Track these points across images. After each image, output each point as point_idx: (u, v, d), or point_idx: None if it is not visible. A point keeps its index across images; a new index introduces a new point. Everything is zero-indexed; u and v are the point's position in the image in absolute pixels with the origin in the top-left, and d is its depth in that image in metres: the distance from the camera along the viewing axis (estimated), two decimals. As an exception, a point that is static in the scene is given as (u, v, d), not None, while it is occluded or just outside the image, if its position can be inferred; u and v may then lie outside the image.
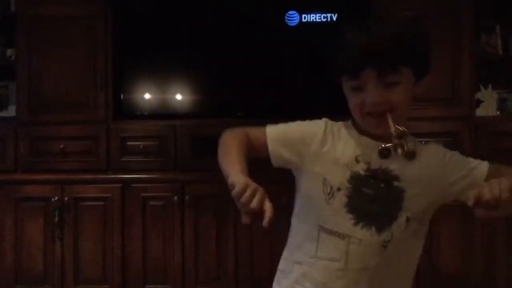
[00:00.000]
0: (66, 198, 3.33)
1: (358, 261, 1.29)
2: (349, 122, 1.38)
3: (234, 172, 1.18)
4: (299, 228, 1.38)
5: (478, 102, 3.39)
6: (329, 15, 3.37)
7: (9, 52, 3.61)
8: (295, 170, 1.39)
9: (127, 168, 3.40)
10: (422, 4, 3.32)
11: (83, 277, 3.33)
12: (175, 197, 3.27)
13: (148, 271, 3.30)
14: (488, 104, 3.42)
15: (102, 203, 3.35)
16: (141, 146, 3.39)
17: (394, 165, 1.32)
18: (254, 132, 1.38)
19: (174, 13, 3.42)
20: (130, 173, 3.37)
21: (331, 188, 1.31)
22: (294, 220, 1.42)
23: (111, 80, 3.43)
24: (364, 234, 1.29)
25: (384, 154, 1.29)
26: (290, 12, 3.38)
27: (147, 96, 3.51)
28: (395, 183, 1.31)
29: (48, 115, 3.43)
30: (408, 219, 1.31)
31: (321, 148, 1.34)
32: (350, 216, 1.30)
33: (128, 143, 3.41)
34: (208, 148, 3.52)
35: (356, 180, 1.30)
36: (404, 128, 1.27)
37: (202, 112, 3.44)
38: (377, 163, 1.31)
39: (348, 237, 1.29)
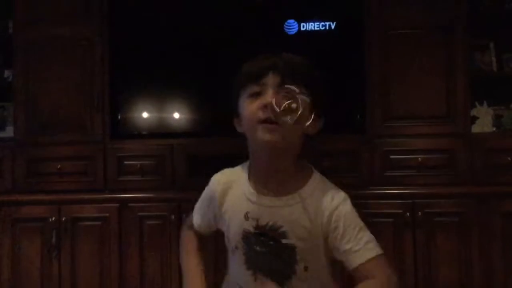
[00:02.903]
0: (63, 218, 3.33)
1: None
2: (245, 165, 1.41)
3: None
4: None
5: (474, 119, 3.41)
6: (327, 23, 3.38)
7: (7, 73, 3.63)
8: None
9: (124, 187, 3.40)
10: (416, 22, 3.35)
11: (81, 298, 3.32)
12: (173, 216, 3.27)
13: (145, 291, 3.28)
14: (483, 120, 3.43)
15: (99, 223, 3.34)
16: (138, 166, 3.39)
17: (281, 220, 1.30)
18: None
19: (171, 31, 3.43)
20: (127, 193, 3.37)
21: (232, 245, 1.36)
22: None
23: (108, 100, 3.44)
24: None
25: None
26: (289, 21, 3.39)
27: (144, 115, 3.52)
28: (284, 241, 1.29)
29: (45, 135, 3.44)
30: (306, 269, 1.30)
31: (220, 208, 1.40)
32: (250, 272, 1.32)
33: (125, 162, 3.42)
34: (205, 167, 3.53)
35: (248, 238, 1.32)
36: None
37: (199, 131, 3.45)
38: (265, 219, 1.31)
39: None
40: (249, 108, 1.29)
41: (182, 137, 3.43)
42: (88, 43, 3.45)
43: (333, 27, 3.38)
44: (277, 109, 1.21)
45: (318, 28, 3.39)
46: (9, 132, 3.58)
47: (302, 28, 3.39)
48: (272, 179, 1.33)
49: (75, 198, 3.37)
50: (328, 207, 1.28)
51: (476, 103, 3.43)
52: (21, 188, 3.44)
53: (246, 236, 1.32)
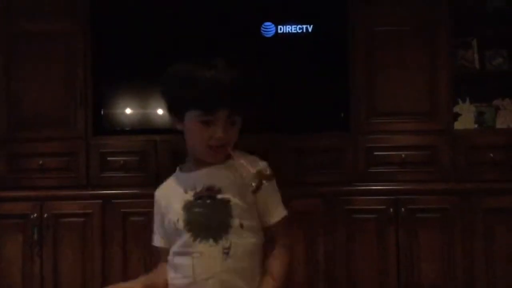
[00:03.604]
0: (45, 215, 3.30)
1: (204, 272, 1.46)
2: (176, 170, 1.63)
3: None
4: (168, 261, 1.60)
5: (456, 116, 3.43)
6: (304, 26, 3.40)
7: (-12, 68, 3.58)
8: None
9: (107, 184, 3.38)
10: (400, 19, 3.37)
11: (63, 295, 3.29)
12: (156, 213, 3.25)
13: (129, 288, 3.26)
14: (466, 117, 3.46)
15: (82, 219, 3.32)
16: (122, 162, 3.37)
17: (217, 182, 1.50)
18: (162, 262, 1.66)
19: (153, 28, 3.42)
20: (110, 189, 3.35)
21: (174, 222, 1.51)
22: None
23: (91, 96, 3.42)
24: (203, 247, 1.46)
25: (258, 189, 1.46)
26: (266, 24, 3.40)
27: (127, 111, 3.50)
28: (219, 196, 1.49)
29: (27, 131, 3.41)
30: (241, 225, 1.48)
31: (162, 206, 1.59)
32: (189, 234, 1.48)
33: (108, 158, 3.40)
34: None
35: (187, 206, 1.50)
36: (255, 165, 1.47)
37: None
38: (201, 185, 1.51)
39: (191, 253, 1.48)
40: (200, 134, 1.48)
41: (166, 133, 3.41)
42: (70, 38, 3.42)
43: (310, 30, 3.39)
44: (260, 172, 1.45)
45: (295, 31, 3.40)
46: (-10, 127, 3.54)
47: (279, 31, 3.40)
48: (207, 163, 1.54)
49: (57, 194, 3.34)
50: (256, 166, 1.49)
51: (459, 100, 3.46)
52: (2, 185, 3.40)
53: (186, 205, 1.50)
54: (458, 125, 3.41)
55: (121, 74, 3.46)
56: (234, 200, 1.48)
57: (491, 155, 3.27)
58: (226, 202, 1.48)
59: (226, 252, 1.46)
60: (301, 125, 3.37)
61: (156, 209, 1.63)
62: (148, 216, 3.25)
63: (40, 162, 3.39)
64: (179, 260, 1.51)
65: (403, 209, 3.21)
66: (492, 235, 3.20)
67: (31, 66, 3.43)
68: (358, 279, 3.22)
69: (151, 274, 1.68)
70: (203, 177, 1.52)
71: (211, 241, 1.46)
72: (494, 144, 3.31)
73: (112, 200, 3.31)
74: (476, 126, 3.47)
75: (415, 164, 3.31)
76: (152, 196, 1.67)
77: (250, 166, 1.45)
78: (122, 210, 3.29)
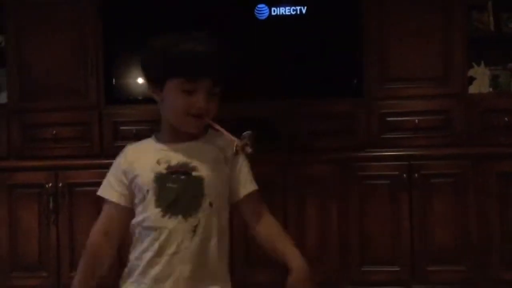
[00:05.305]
0: (60, 184, 3.33)
1: (170, 247, 1.46)
2: (151, 137, 1.59)
3: None
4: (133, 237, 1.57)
5: (471, 80, 3.39)
6: (298, 7, 3.35)
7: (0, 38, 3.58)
8: None
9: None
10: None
11: (80, 263, 3.33)
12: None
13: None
14: (480, 81, 3.41)
15: (96, 188, 3.31)
16: (134, 131, 3.37)
17: (192, 159, 1.50)
18: (104, 219, 1.65)
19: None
20: (123, 158, 3.36)
21: (143, 192, 1.49)
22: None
23: (102, 65, 3.41)
24: (172, 223, 1.45)
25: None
26: (259, 6, 3.36)
27: (139, 80, 3.49)
28: (194, 173, 1.48)
29: (40, 101, 3.42)
30: (211, 204, 1.48)
31: (130, 172, 1.54)
32: (158, 210, 1.47)
33: (121, 127, 3.41)
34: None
35: (159, 179, 1.48)
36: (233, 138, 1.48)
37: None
38: (176, 159, 1.50)
39: (159, 228, 1.46)
40: (182, 102, 1.46)
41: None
42: (81, 6, 3.40)
43: (304, 11, 3.34)
44: (239, 145, 1.48)
45: (289, 13, 3.35)
46: (3, 98, 3.56)
47: (273, 13, 3.36)
48: (183, 136, 1.53)
49: (72, 164, 3.37)
50: (232, 144, 1.51)
51: (473, 64, 3.41)
52: (17, 155, 3.43)
53: (158, 177, 1.48)
54: (472, 89, 3.37)
55: (133, 42, 3.44)
56: (208, 178, 1.48)
57: (506, 119, 3.23)
58: (200, 179, 1.48)
59: (194, 230, 1.46)
60: (314, 91, 3.34)
61: (121, 163, 1.58)
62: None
63: (54, 132, 3.41)
64: (145, 234, 1.50)
65: (416, 174, 3.20)
66: (506, 199, 3.19)
67: (43, 35, 3.43)
68: (371, 244, 3.23)
69: (88, 263, 1.68)
70: (179, 152, 1.50)
71: (180, 217, 1.46)
72: (509, 107, 3.27)
73: (126, 169, 3.33)
74: (490, 89, 3.42)
75: (429, 129, 3.28)
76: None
77: (231, 136, 1.46)
78: (135, 178, 3.31)
